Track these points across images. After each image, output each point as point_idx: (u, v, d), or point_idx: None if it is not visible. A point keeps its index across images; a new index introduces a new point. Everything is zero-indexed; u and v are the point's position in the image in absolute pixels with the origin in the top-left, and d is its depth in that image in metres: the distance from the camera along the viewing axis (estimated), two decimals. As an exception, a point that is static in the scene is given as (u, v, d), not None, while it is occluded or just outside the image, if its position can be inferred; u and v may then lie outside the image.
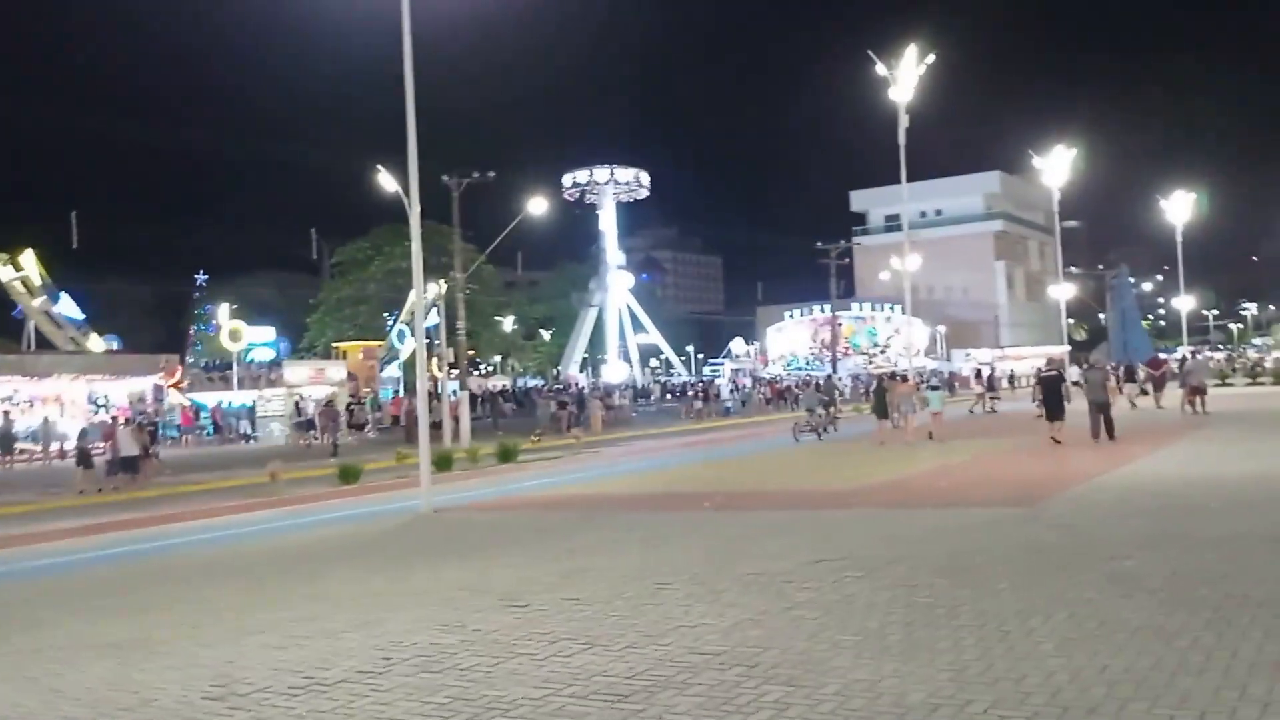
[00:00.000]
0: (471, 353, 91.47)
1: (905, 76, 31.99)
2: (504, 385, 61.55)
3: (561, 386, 61.55)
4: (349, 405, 39.01)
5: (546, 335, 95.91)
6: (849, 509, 12.90)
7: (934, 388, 29.93)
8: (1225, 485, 12.83)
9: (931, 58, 32.28)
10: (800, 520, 12.16)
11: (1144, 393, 33.18)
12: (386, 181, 16.76)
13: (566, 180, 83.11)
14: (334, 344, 56.29)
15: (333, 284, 71.30)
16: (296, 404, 38.99)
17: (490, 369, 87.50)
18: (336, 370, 44.00)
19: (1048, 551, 8.88)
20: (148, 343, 67.26)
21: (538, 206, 35.84)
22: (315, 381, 41.99)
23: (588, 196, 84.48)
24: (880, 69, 32.28)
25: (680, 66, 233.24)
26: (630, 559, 9.97)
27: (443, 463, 24.97)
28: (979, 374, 40.41)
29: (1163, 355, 42.43)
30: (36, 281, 44.21)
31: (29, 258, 43.99)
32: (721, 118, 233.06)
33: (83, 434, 26.43)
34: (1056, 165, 44.77)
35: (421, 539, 12.99)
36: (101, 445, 25.83)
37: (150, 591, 10.34)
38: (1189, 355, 33.88)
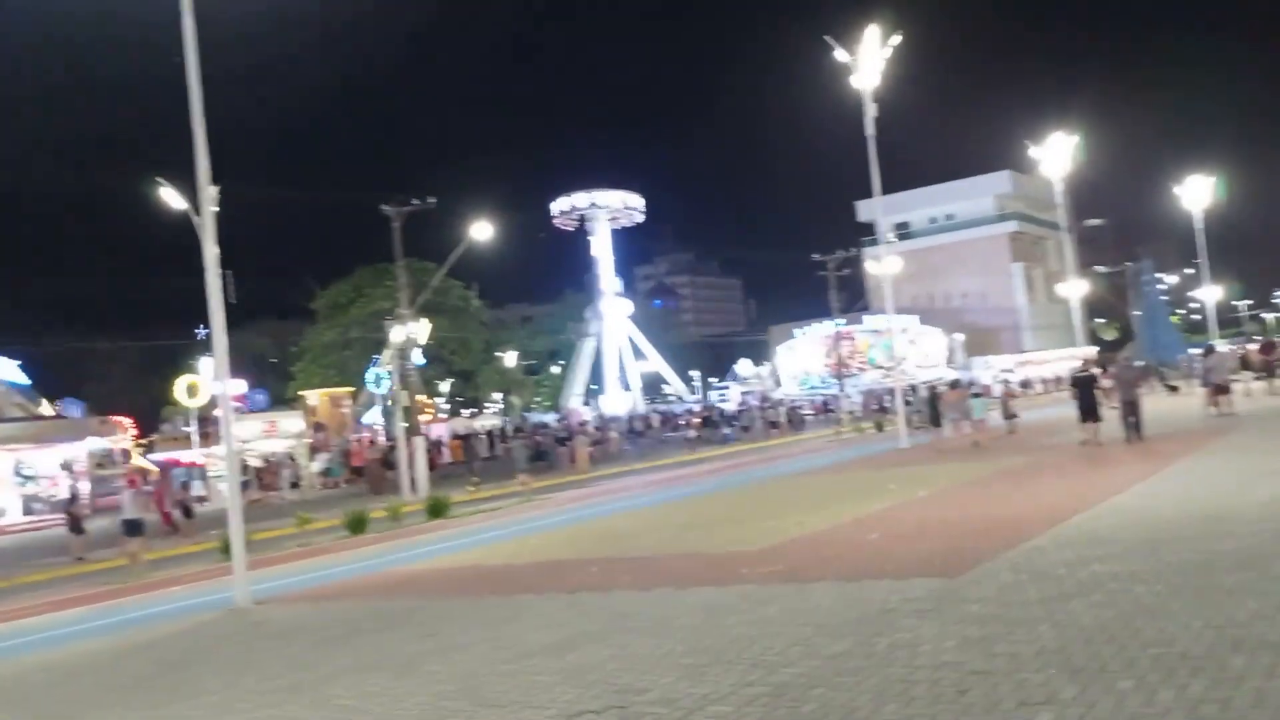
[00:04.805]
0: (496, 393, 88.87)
1: (867, 61, 28.73)
2: (493, 426, 58.21)
3: (546, 422, 58.22)
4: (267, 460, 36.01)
5: (555, 369, 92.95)
6: (726, 586, 9.61)
7: (977, 395, 28.89)
8: (1234, 525, 9.43)
9: (897, 38, 29.01)
10: (650, 609, 8.93)
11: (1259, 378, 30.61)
12: (173, 200, 13.61)
13: (557, 206, 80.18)
14: (299, 392, 53.48)
15: (315, 330, 68.67)
16: (242, 462, 36.06)
17: (497, 408, 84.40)
18: (292, 422, 40.95)
19: (920, 685, 5.57)
20: (141, 404, 64.77)
21: (482, 231, 32.88)
22: (268, 435, 39.05)
23: (584, 223, 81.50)
24: (840, 54, 29.08)
25: (679, 93, 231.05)
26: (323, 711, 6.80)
27: (356, 525, 21.99)
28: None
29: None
30: (-24, 347, 41.83)
31: (-36, 322, 41.61)
32: (728, 135, 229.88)
33: (71, 499, 26.31)
34: (1057, 154, 41.17)
35: (146, 664, 9.83)
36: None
37: None
38: (1210, 349, 30.17)
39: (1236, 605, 6.52)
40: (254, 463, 36.37)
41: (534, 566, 13.19)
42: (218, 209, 13.18)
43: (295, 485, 35.60)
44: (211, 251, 12.98)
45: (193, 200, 13.10)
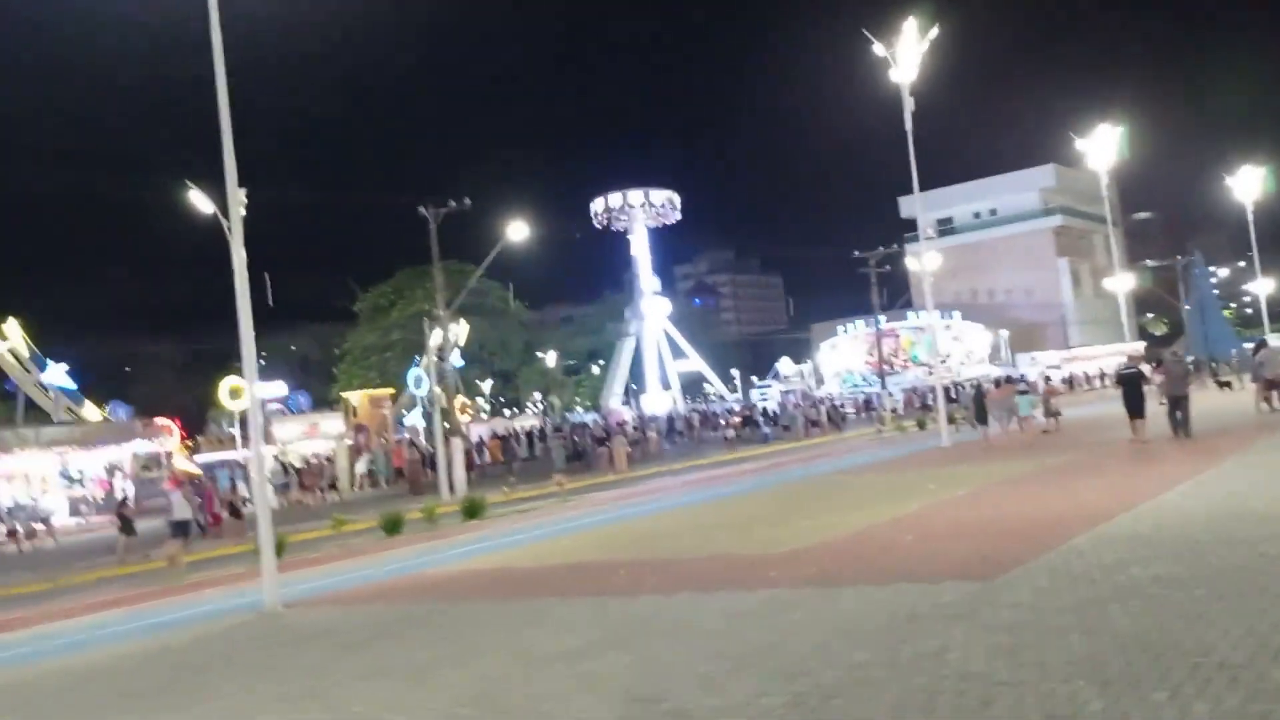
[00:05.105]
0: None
1: (906, 55, 28.32)
2: (532, 426, 58.20)
3: (586, 422, 58.13)
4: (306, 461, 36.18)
5: (595, 369, 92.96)
6: (753, 590, 9.40)
7: (1023, 392, 28.56)
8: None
9: (935, 31, 28.57)
10: (674, 614, 8.76)
11: None
12: (202, 203, 13.59)
13: (595, 206, 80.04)
14: (341, 394, 53.81)
15: (357, 332, 69.16)
16: (283, 464, 36.33)
17: (541, 408, 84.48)
18: (332, 423, 41.18)
19: (943, 695, 5.33)
20: (187, 406, 65.45)
21: (519, 232, 32.88)
22: (309, 436, 39.30)
23: (616, 223, 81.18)
24: (879, 49, 28.70)
25: (721, 90, 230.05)
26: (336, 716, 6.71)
27: (391, 527, 22.02)
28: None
29: None
30: (24, 352, 42.46)
31: (13, 327, 42.24)
32: (767, 131, 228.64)
33: (123, 500, 25.79)
34: (1103, 146, 40.35)
35: (166, 668, 9.77)
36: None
37: None
38: (1261, 344, 29.41)
39: (1254, 613, 6.22)
40: (295, 464, 36.61)
41: (563, 569, 13.06)
42: (245, 212, 13.16)
43: (333, 486, 35.78)
44: (239, 255, 12.95)
45: (222, 204, 13.09)
